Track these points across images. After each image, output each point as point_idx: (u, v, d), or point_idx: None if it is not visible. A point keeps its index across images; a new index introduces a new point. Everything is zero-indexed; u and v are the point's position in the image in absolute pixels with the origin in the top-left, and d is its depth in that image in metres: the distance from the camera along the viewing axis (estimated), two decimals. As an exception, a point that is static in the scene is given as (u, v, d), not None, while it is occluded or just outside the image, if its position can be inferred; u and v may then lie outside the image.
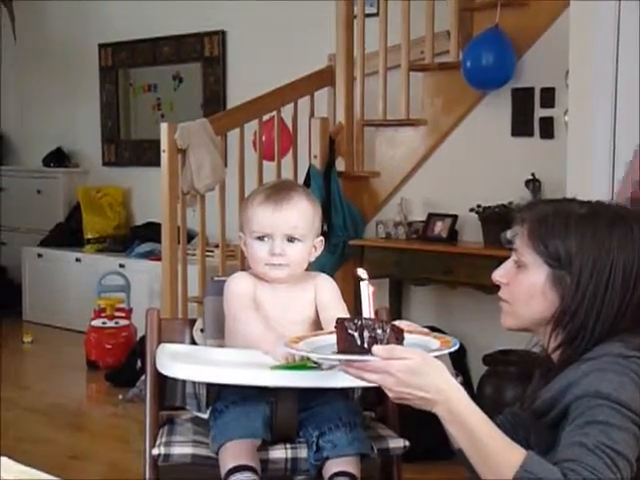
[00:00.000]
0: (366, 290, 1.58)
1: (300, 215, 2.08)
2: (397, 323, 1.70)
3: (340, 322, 1.55)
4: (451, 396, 1.52)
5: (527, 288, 1.68)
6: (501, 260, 1.79)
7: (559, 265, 1.64)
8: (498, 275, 1.74)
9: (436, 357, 1.57)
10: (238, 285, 2.09)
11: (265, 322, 2.01)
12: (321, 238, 2.14)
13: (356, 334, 1.53)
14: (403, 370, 1.50)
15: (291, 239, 2.08)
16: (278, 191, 2.09)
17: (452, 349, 1.65)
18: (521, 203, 3.99)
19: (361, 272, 1.60)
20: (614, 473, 1.46)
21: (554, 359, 1.69)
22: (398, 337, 1.56)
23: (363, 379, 1.55)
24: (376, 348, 1.51)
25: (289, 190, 2.10)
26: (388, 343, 1.53)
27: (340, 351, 1.56)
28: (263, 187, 2.15)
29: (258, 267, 2.09)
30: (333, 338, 1.59)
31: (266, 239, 2.07)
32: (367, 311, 1.57)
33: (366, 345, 1.52)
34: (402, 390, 1.52)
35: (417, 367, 1.51)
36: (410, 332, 1.69)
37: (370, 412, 2.24)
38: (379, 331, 1.53)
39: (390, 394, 1.54)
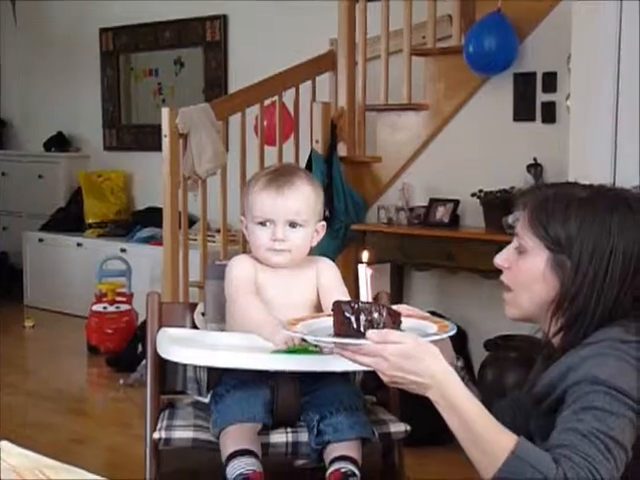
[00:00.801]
0: (364, 273, 1.58)
1: (302, 201, 2.06)
2: (395, 307, 1.70)
3: (337, 305, 1.56)
4: (444, 381, 1.52)
5: (528, 272, 1.67)
6: (502, 245, 1.78)
7: (559, 249, 1.63)
8: (500, 259, 1.74)
9: (435, 341, 1.57)
10: (239, 269, 2.08)
11: (266, 307, 2.00)
12: (323, 223, 2.13)
13: (352, 317, 1.53)
14: (396, 354, 1.51)
15: (293, 224, 2.06)
16: (280, 176, 2.07)
17: (449, 334, 1.65)
18: (523, 188, 3.99)
19: (364, 255, 1.60)
20: (608, 460, 1.45)
21: (555, 344, 1.69)
22: (395, 321, 1.56)
23: (357, 362, 1.56)
24: (370, 332, 1.52)
25: (291, 175, 2.08)
26: (384, 327, 1.54)
27: (336, 334, 1.56)
28: (265, 171, 2.13)
29: (259, 252, 2.08)
30: (331, 320, 1.59)
31: (268, 224, 2.06)
32: (365, 294, 1.58)
33: (362, 328, 1.53)
34: (395, 374, 1.52)
35: (410, 351, 1.51)
36: (409, 316, 1.69)
37: (371, 396, 2.24)
38: (375, 315, 1.53)
39: (384, 378, 1.55)
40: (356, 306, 1.54)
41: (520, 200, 1.73)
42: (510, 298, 1.73)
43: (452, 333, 1.66)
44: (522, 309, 1.71)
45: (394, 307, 1.67)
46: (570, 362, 1.57)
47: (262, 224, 2.06)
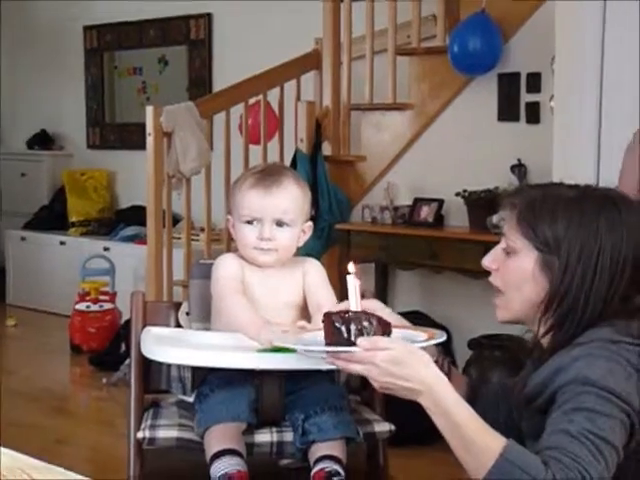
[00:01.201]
0: (353, 284, 1.60)
1: (290, 200, 2.07)
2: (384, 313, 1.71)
3: (327, 316, 1.58)
4: (434, 387, 1.53)
5: (517, 273, 1.68)
6: (487, 245, 1.79)
7: (548, 249, 1.64)
8: (488, 261, 1.74)
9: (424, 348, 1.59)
10: (226, 268, 2.07)
11: (252, 307, 2.00)
12: (310, 223, 2.14)
13: (343, 327, 1.55)
14: (387, 360, 1.52)
15: (280, 224, 2.06)
16: (268, 175, 2.07)
17: (438, 340, 1.67)
18: (509, 188, 4.00)
19: (350, 266, 1.61)
20: (598, 461, 1.45)
21: (544, 345, 1.69)
22: (385, 330, 1.58)
23: (349, 370, 1.58)
24: (360, 340, 1.54)
25: (279, 174, 2.09)
26: (375, 335, 1.56)
27: (327, 344, 1.59)
28: (253, 170, 2.13)
29: (246, 251, 2.08)
30: (321, 334, 1.61)
31: (255, 223, 2.06)
32: (354, 304, 1.60)
33: (353, 338, 1.55)
34: (386, 380, 1.54)
35: (401, 357, 1.53)
36: (396, 327, 1.70)
37: (355, 396, 2.24)
38: (365, 323, 1.56)
39: (375, 384, 1.56)
40: (346, 316, 1.56)
41: (507, 200, 1.73)
42: (501, 301, 1.73)
43: (441, 340, 1.67)
44: (513, 311, 1.71)
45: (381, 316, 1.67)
46: (560, 362, 1.57)
47: (249, 223, 2.07)
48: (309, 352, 1.70)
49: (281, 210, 2.05)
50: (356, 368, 1.56)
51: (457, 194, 4.29)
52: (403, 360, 1.53)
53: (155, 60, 6.71)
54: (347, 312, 1.57)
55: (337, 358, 1.58)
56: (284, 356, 1.82)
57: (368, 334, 1.55)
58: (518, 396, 1.72)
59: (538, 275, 1.65)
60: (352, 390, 2.19)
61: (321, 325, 1.61)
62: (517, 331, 1.82)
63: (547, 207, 1.65)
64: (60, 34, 7.20)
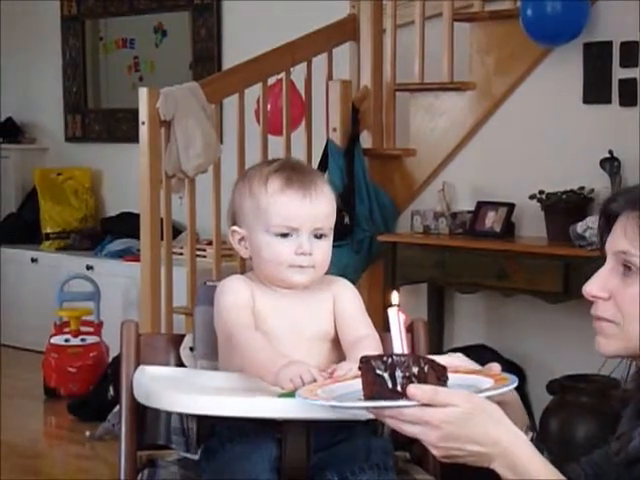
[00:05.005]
0: (396, 319, 1.58)
1: (329, 205, 2.08)
2: (447, 357, 1.70)
3: (365, 361, 1.56)
4: (511, 448, 1.52)
5: None
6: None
7: None
8: (597, 288, 1.67)
9: (499, 402, 1.56)
10: (233, 294, 2.07)
11: (270, 343, 2.00)
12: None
13: (386, 375, 1.53)
14: (449, 420, 1.50)
15: (318, 235, 2.07)
16: (298, 173, 2.07)
17: (509, 387, 1.63)
18: (595, 189, 3.97)
19: (394, 296, 1.60)
20: None
21: None
22: (440, 377, 1.56)
23: (400, 431, 1.55)
24: (413, 388, 1.51)
25: (309, 172, 2.11)
26: (428, 385, 1.53)
27: (367, 398, 1.57)
28: (269, 167, 2.11)
29: (278, 270, 2.06)
30: (357, 383, 1.60)
31: (290, 235, 2.06)
32: (399, 345, 1.58)
33: (399, 388, 1.53)
34: (450, 445, 1.52)
35: (466, 414, 1.50)
36: (456, 371, 1.68)
37: (404, 452, 2.24)
38: (415, 369, 1.53)
39: (435, 452, 1.54)
40: (390, 361, 1.53)
41: (622, 198, 1.67)
42: (613, 330, 1.66)
43: (513, 387, 1.64)
44: (631, 343, 1.64)
45: (440, 359, 1.64)
46: None
47: (284, 235, 2.06)
48: (344, 409, 1.69)
49: (322, 217, 2.06)
50: (408, 429, 1.53)
51: (532, 197, 4.28)
52: (470, 418, 1.50)
53: (150, 29, 6.75)
54: (390, 356, 1.55)
55: (382, 416, 1.56)
56: (313, 402, 1.83)
57: (418, 382, 1.52)
58: (618, 455, 1.68)
59: None
60: (399, 444, 2.19)
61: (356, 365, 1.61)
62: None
63: None
64: (31, -2, 7.27)
